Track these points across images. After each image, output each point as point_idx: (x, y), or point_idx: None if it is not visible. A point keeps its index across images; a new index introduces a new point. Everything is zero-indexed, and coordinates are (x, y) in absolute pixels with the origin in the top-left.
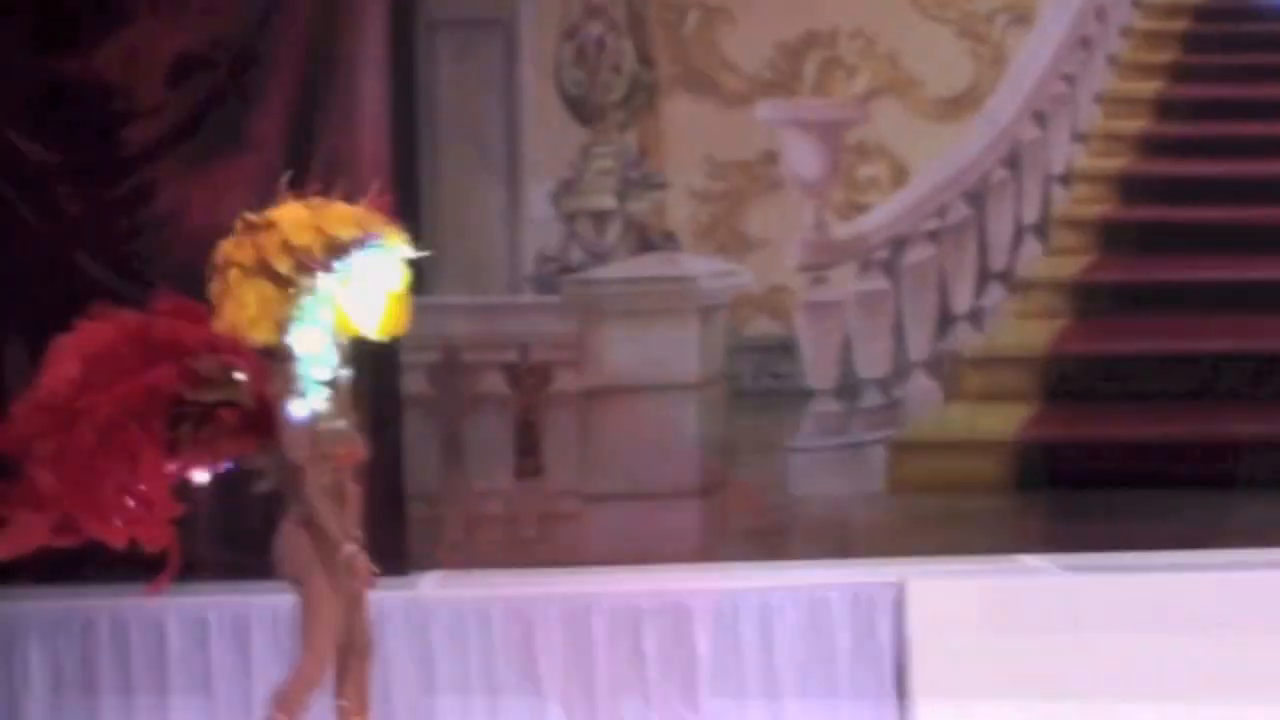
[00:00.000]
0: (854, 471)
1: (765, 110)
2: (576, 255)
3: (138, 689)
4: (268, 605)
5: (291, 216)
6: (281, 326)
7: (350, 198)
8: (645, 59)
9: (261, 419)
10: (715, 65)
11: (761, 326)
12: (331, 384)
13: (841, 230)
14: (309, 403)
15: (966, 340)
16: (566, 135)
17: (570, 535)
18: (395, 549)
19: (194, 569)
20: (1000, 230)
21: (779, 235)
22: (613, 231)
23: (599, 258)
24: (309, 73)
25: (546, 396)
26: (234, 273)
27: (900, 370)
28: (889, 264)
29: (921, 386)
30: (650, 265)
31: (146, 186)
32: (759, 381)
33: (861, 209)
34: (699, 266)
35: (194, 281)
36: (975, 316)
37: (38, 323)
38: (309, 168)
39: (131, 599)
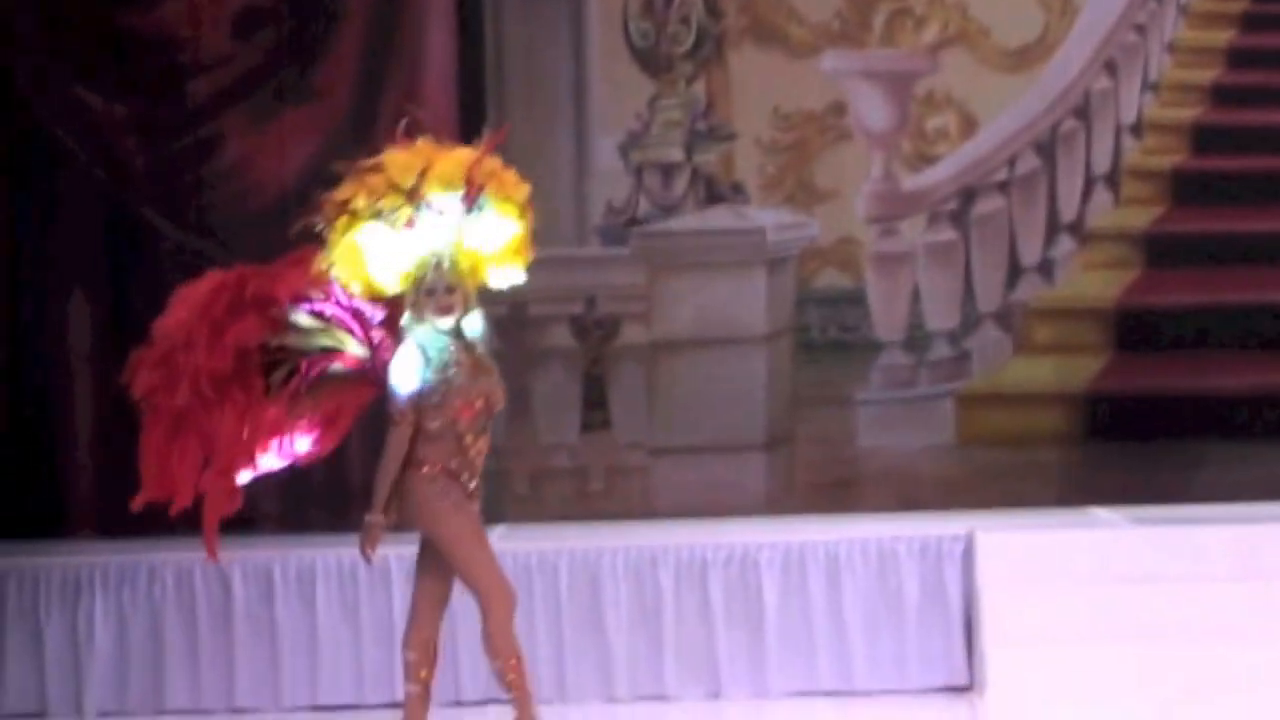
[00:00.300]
0: (923, 424)
1: (833, 61)
2: (644, 207)
3: (203, 641)
4: (333, 558)
5: (403, 159)
6: (394, 272)
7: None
8: (713, 10)
9: (376, 368)
10: (783, 16)
11: (830, 278)
12: (455, 333)
13: (910, 182)
14: (415, 352)
15: (1035, 292)
16: (634, 87)
17: (637, 488)
18: None
19: (259, 522)
20: (1070, 181)
21: (847, 187)
22: (680, 183)
23: (667, 210)
24: (376, 25)
25: (614, 349)
26: (345, 219)
27: (969, 322)
28: (958, 215)
29: (991, 338)
30: (718, 217)
31: (213, 139)
32: (827, 334)
33: (930, 160)
34: (767, 218)
35: (259, 232)
36: (1045, 268)
37: (102, 276)
38: (376, 121)
39: (197, 552)
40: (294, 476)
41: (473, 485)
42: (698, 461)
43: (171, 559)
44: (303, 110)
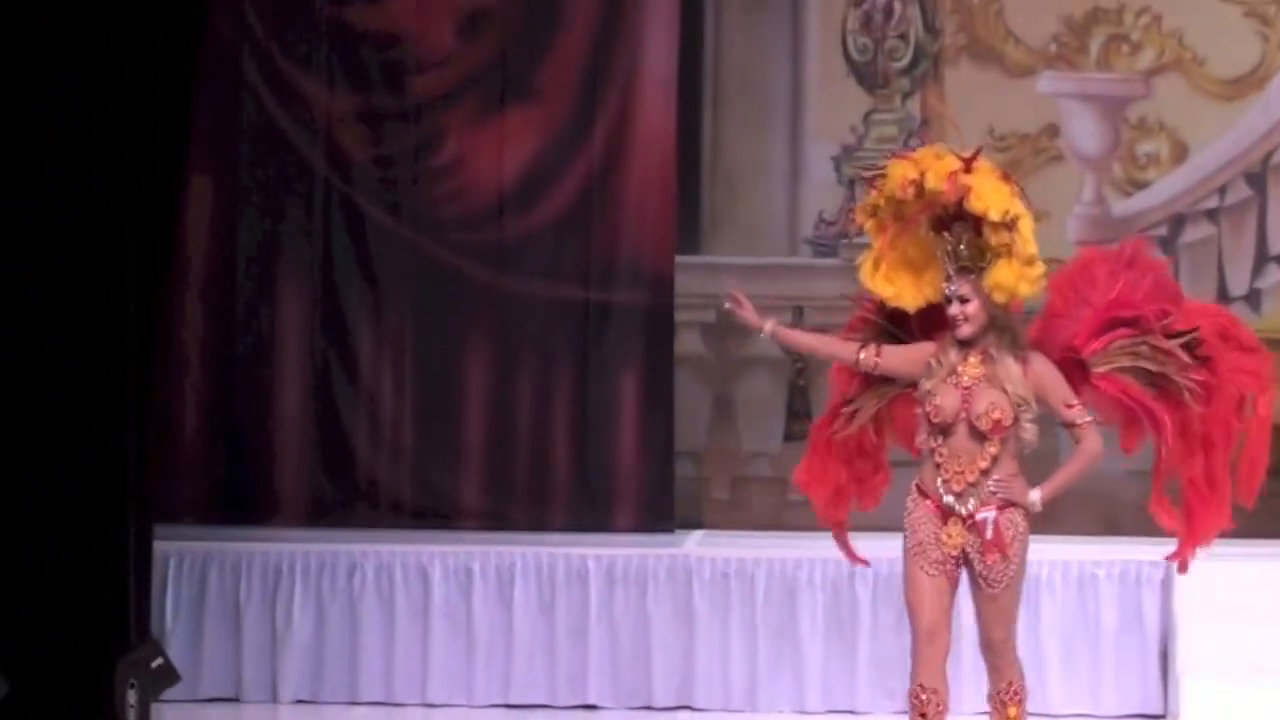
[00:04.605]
0: None
1: (1048, 83)
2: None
3: (399, 634)
4: (532, 556)
5: (900, 169)
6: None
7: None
8: (931, 28)
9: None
10: (1000, 36)
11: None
12: (968, 344)
13: (1120, 206)
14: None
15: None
16: (850, 100)
17: None
18: (661, 506)
19: (460, 517)
20: None
21: (1058, 208)
22: None
23: None
24: (597, 29)
25: (819, 360)
26: (872, 225)
27: None
28: (1167, 241)
29: None
30: None
31: (432, 135)
32: None
33: (1141, 185)
34: None
35: (475, 230)
36: (1252, 298)
37: (315, 268)
38: (594, 123)
39: (398, 545)
40: (498, 472)
41: (951, 502)
42: (900, 474)
43: (372, 550)
44: (522, 111)
